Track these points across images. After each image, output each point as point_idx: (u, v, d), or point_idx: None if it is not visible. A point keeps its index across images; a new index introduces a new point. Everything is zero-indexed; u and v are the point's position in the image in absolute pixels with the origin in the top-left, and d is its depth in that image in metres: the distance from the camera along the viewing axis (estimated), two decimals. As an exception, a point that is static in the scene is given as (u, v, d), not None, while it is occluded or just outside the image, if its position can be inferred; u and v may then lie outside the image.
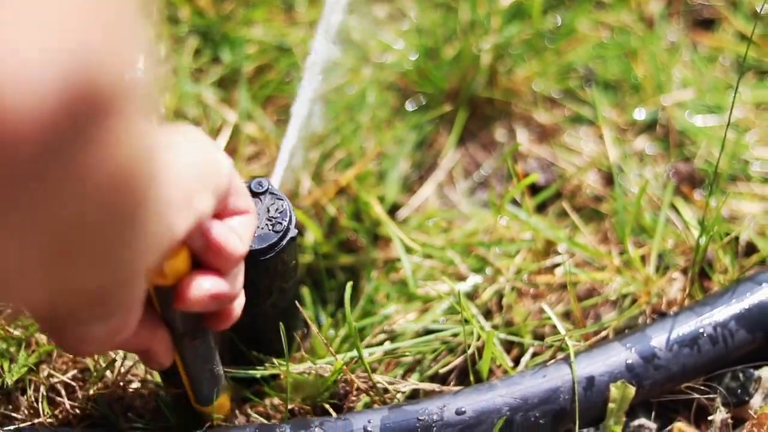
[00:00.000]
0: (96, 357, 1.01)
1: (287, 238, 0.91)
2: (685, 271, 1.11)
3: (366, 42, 1.39)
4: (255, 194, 0.92)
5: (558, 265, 1.14)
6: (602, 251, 1.15)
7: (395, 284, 1.15)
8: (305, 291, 1.16)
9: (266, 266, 0.91)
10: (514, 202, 1.23)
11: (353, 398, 1.01)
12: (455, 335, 1.06)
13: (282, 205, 0.92)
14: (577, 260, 1.15)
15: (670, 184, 1.22)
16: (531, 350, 1.06)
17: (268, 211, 0.92)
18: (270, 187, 0.93)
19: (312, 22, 1.41)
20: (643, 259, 1.14)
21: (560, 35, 1.40)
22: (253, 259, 0.89)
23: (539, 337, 1.09)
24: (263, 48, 1.37)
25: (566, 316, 1.11)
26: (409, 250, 1.15)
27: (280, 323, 0.95)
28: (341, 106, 1.31)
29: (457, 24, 1.38)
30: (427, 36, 1.37)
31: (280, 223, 0.91)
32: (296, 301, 1.00)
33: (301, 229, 1.16)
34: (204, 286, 0.82)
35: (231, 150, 1.26)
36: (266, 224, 0.91)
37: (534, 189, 1.25)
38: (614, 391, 0.96)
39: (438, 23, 1.39)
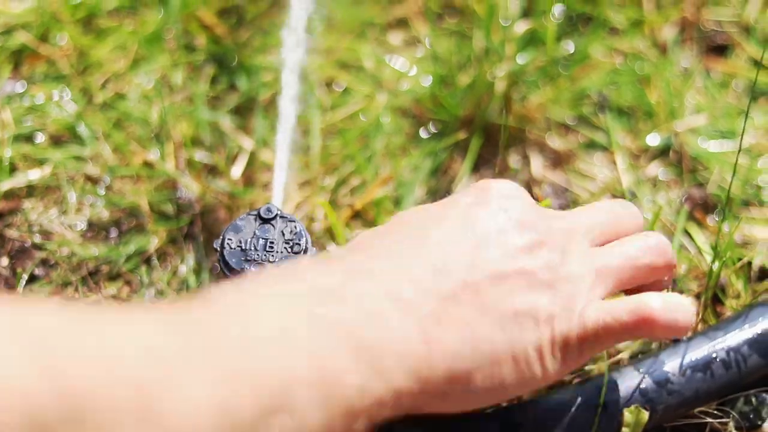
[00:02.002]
0: None
1: (308, 257, 0.92)
2: (698, 296, 1.12)
3: (380, 69, 1.41)
4: (266, 221, 0.94)
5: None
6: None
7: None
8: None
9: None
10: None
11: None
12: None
13: (295, 227, 0.93)
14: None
15: (683, 210, 1.22)
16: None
17: (283, 234, 0.93)
18: (279, 211, 0.94)
19: (328, 50, 1.42)
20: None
21: (574, 62, 1.41)
22: None
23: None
24: (279, 75, 1.38)
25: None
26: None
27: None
28: (355, 133, 1.32)
29: (472, 51, 1.39)
30: (442, 63, 1.39)
31: (298, 244, 0.92)
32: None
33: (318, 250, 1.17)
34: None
35: (247, 178, 1.27)
36: (284, 248, 0.92)
37: (548, 215, 1.26)
38: (628, 415, 0.96)
39: (452, 51, 1.40)
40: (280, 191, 1.08)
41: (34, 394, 0.53)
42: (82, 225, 1.21)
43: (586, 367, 1.03)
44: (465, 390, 0.79)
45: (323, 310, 0.73)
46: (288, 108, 1.14)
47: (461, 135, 1.30)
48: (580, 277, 0.86)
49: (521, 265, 0.83)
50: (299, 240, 0.92)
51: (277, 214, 0.94)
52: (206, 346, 0.65)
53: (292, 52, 1.18)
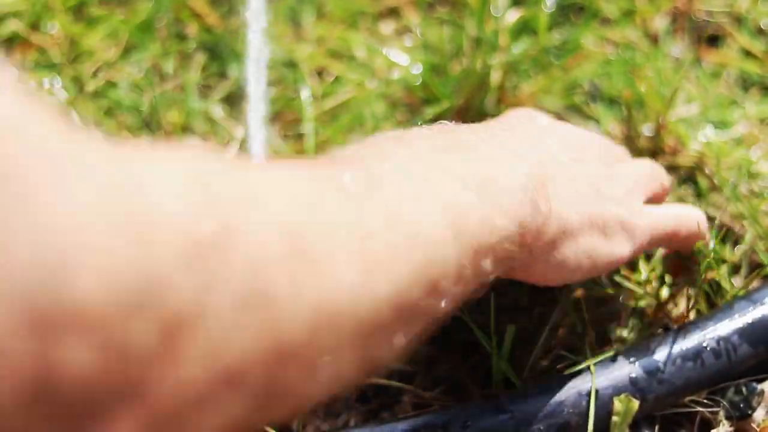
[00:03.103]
0: None
1: None
2: (689, 289, 1.12)
3: (372, 58, 1.40)
4: None
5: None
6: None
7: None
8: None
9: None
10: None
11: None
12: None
13: None
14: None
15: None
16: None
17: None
18: None
19: (319, 39, 1.42)
20: (650, 273, 1.14)
21: (566, 51, 1.41)
22: None
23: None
24: (271, 64, 1.38)
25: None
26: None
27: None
28: (347, 121, 1.31)
29: (463, 41, 1.39)
30: (433, 52, 1.38)
31: None
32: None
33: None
34: None
35: (238, 165, 1.27)
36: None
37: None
38: (618, 404, 0.97)
39: (444, 40, 1.40)
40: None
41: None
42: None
43: (577, 356, 1.03)
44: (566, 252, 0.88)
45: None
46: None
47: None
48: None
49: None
50: None
51: None
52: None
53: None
